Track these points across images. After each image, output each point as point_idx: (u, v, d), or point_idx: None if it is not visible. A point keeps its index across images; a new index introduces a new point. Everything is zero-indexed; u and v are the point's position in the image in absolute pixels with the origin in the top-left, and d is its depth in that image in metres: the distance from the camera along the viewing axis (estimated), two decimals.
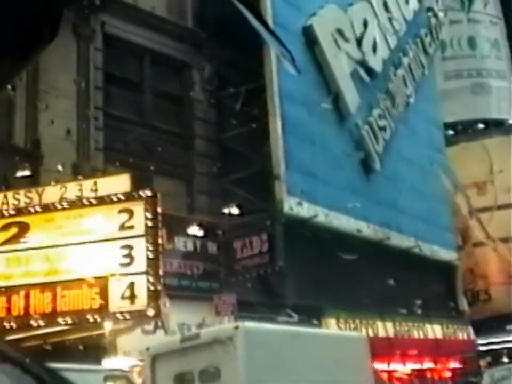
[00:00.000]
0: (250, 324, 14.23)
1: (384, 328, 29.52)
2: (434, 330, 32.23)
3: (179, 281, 22.37)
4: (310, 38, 27.34)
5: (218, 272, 23.40)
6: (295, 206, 23.79)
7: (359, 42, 30.43)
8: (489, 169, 51.81)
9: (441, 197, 35.41)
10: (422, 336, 31.44)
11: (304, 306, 25.34)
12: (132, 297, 16.09)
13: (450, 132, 54.16)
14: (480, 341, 46.96)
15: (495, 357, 46.44)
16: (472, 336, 34.94)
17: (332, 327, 26.17)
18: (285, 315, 23.03)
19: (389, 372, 30.88)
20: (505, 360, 44.82)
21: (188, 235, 22.35)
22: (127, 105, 25.90)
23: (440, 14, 42.00)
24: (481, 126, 53.61)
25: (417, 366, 31.79)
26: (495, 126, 54.56)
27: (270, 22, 25.11)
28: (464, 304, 35.81)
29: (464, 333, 34.27)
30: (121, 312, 16.03)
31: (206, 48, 27.31)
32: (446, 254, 34.16)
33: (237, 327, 13.27)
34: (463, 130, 54.77)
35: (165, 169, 25.17)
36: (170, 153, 25.42)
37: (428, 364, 32.07)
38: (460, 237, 51.62)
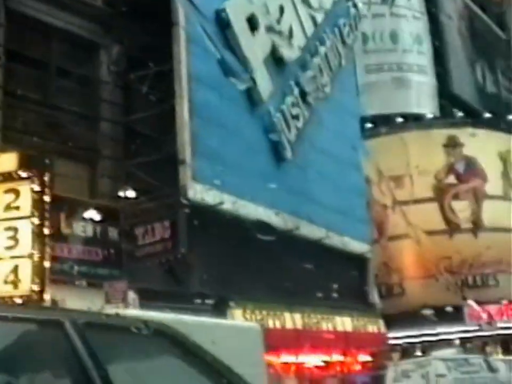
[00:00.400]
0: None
1: (292, 320, 29.11)
2: (344, 323, 31.97)
3: (77, 267, 21.43)
4: (223, 22, 26.65)
5: (119, 259, 22.53)
6: (200, 193, 23.09)
7: (274, 28, 29.85)
8: (407, 163, 52.04)
9: (356, 189, 35.14)
10: (331, 328, 31.10)
11: (209, 296, 24.74)
12: (16, 282, 15.18)
13: (369, 125, 54.32)
14: (394, 335, 47.22)
15: (408, 350, 46.83)
16: (383, 329, 34.84)
17: (238, 317, 25.63)
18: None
19: (297, 364, 30.53)
20: (419, 353, 45.20)
21: (87, 219, 21.43)
22: (31, 84, 24.80)
23: (361, 6, 41.71)
24: (400, 119, 53.73)
25: (326, 359, 31.51)
26: (414, 120, 54.81)
27: (183, 4, 24.41)
28: (375, 297, 35.67)
29: (374, 326, 34.12)
30: (3, 298, 15.10)
31: (115, 29, 26.36)
32: (358, 246, 33.89)
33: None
34: (382, 124, 54.94)
35: (68, 151, 24.18)
36: (74, 134, 24.43)
37: (337, 357, 31.81)
38: (376, 230, 51.79)
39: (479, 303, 48.61)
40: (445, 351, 27.97)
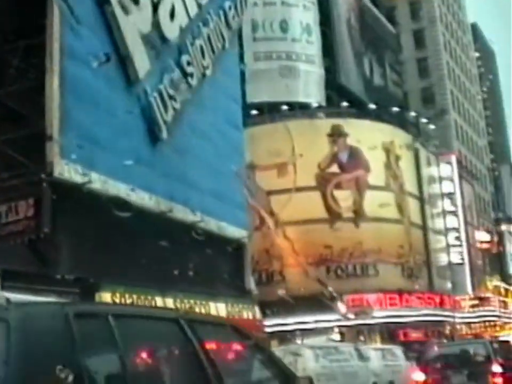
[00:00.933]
0: None
1: (164, 305, 28.46)
2: (218, 309, 31.51)
3: None
4: None
5: None
6: (67, 171, 22.16)
7: (155, 7, 29.07)
8: (291, 151, 52.13)
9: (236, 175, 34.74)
10: (204, 314, 30.61)
11: (77, 278, 23.84)
12: None
13: (254, 112, 54.19)
14: (275, 322, 47.17)
15: (286, 338, 46.83)
16: (259, 316, 34.59)
17: (106, 301, 24.82)
18: None
19: None
20: (298, 341, 45.23)
21: None
22: None
23: None
24: (285, 107, 53.74)
25: None
26: (299, 109, 54.93)
27: None
28: (251, 284, 35.37)
29: (250, 313, 33.82)
30: None
31: None
32: (235, 232, 33.43)
33: None
34: (268, 111, 54.89)
35: None
36: None
37: (210, 344, 31.28)
38: (258, 217, 51.73)
39: (358, 292, 49.20)
40: (315, 339, 27.59)
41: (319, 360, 21.98)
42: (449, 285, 58.53)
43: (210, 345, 5.82)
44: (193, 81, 31.07)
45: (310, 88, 58.84)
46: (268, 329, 45.93)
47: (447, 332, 54.41)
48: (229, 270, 33.74)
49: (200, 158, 31.73)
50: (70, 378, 4.02)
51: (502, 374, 16.70)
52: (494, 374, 17.07)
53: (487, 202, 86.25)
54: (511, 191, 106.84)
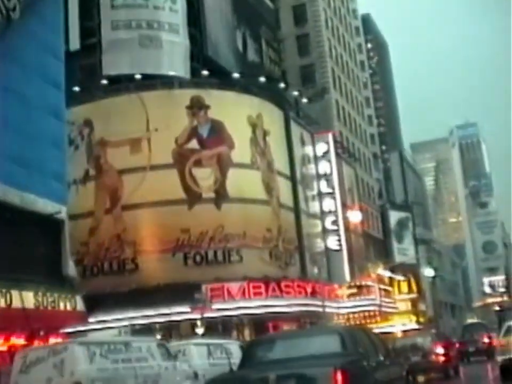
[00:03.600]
0: None
1: None
2: (24, 298, 25.68)
3: None
4: None
5: None
6: None
7: None
8: (146, 125, 46.67)
9: (52, 140, 28.88)
10: (3, 305, 24.75)
11: None
12: None
13: (104, 82, 48.54)
14: (123, 315, 41.49)
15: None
16: (80, 307, 28.91)
17: None
18: None
19: None
20: (158, 336, 39.55)
21: None
22: None
23: None
24: (138, 76, 48.10)
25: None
26: (154, 79, 49.30)
27: None
28: (70, 269, 29.54)
29: (68, 303, 28.11)
30: None
31: None
32: (48, 206, 27.63)
33: None
34: (121, 82, 49.23)
35: None
36: None
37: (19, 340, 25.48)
38: (108, 198, 46.10)
39: (220, 280, 44.08)
40: (100, 333, 21.35)
41: (94, 360, 16.55)
42: (324, 273, 53.92)
43: None
44: None
45: (174, 60, 53.29)
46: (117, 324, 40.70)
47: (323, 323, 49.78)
48: (41, 252, 27.99)
49: (3, 116, 25.98)
50: None
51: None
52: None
53: (371, 188, 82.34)
54: (399, 178, 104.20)
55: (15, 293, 25.48)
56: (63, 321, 28.34)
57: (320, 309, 46.74)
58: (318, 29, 72.59)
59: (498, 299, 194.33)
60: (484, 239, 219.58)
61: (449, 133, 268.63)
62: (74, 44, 52.57)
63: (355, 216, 58.11)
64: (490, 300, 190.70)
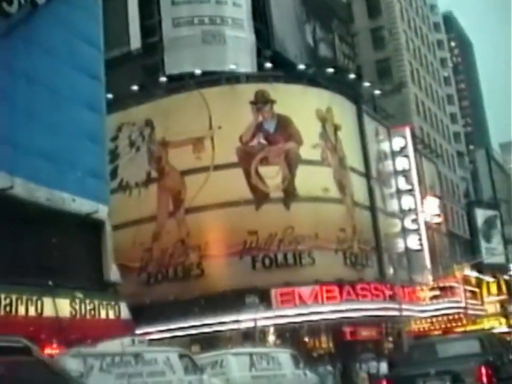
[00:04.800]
0: None
1: None
2: (59, 306, 23.44)
3: None
4: None
5: None
6: None
7: None
8: (209, 123, 44.33)
9: (88, 134, 26.59)
10: (33, 313, 22.56)
11: None
12: None
13: (164, 79, 46.54)
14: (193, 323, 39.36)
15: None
16: (125, 314, 26.52)
17: None
18: None
19: None
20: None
21: None
22: None
23: None
24: (198, 72, 45.78)
25: None
26: (215, 74, 46.89)
27: None
28: (113, 274, 27.10)
29: (111, 311, 25.78)
30: None
31: None
32: (83, 205, 25.32)
33: None
34: (182, 79, 47.03)
35: None
36: None
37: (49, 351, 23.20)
38: (171, 201, 43.95)
39: (290, 284, 41.36)
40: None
41: (91, 374, 13.96)
42: (404, 274, 50.47)
43: None
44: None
45: (239, 55, 50.87)
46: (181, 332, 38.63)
47: (406, 327, 46.54)
48: (79, 256, 25.74)
49: (32, 107, 23.94)
50: None
51: None
52: None
53: (456, 186, 78.20)
54: (487, 176, 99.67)
55: (47, 300, 23.25)
56: (104, 330, 25.89)
57: (404, 313, 43.57)
58: (392, 20, 69.17)
59: None
60: None
61: None
62: (135, 43, 50.99)
63: (431, 205, 54.05)
64: None
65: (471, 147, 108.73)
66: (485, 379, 14.11)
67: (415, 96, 69.03)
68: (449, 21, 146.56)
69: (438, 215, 58.99)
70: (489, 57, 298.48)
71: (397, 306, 41.91)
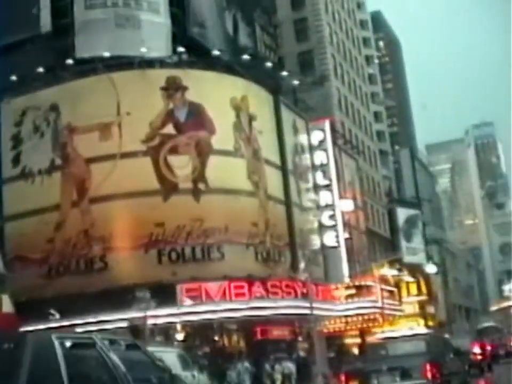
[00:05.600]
0: None
1: None
2: None
3: None
4: None
5: None
6: None
7: None
8: (117, 109, 42.07)
9: None
10: None
11: None
12: None
13: (70, 62, 44.11)
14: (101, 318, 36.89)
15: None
16: (9, 308, 24.24)
17: None
18: None
19: None
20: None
21: None
22: None
23: None
24: (109, 55, 43.49)
25: None
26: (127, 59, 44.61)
27: None
28: None
29: None
30: None
31: None
32: None
33: None
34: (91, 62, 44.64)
35: None
36: None
37: None
38: (75, 190, 41.60)
39: (198, 279, 39.39)
40: None
41: None
42: (320, 272, 48.98)
43: None
44: None
45: (153, 40, 48.50)
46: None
47: (317, 327, 45.01)
48: None
49: None
50: None
51: None
52: None
53: (377, 183, 77.26)
54: (410, 176, 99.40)
55: None
56: None
57: (317, 312, 42.02)
58: (316, 12, 67.74)
59: None
60: (501, 240, 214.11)
61: (465, 133, 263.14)
62: (46, 25, 48.41)
63: (346, 205, 52.46)
64: (508, 303, 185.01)
65: (397, 147, 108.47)
66: (429, 374, 16.47)
67: (338, 90, 67.75)
68: (377, 21, 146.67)
69: (354, 212, 57.69)
70: (418, 59, 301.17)
71: (308, 304, 40.29)
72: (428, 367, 16.65)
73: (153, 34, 48.66)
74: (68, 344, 6.73)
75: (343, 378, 18.96)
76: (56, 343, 6.64)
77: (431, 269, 77.92)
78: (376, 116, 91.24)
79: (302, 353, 44.20)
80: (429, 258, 76.99)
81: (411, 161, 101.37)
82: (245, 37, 60.12)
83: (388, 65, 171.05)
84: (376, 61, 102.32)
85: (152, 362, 8.01)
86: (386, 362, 17.43)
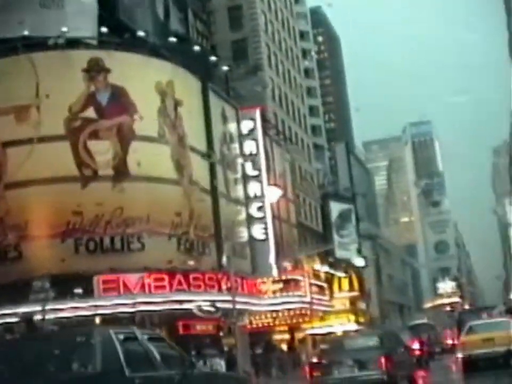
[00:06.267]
0: None
1: None
2: None
3: None
4: None
5: None
6: None
7: None
8: (36, 91, 39.96)
9: None
10: None
11: None
12: None
13: None
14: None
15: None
16: None
17: None
18: None
19: None
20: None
21: None
22: None
23: None
24: (26, 33, 41.33)
25: None
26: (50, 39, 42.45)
27: None
28: None
29: None
30: None
31: None
32: None
33: None
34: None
35: None
36: None
37: None
38: None
39: (116, 271, 37.65)
40: None
41: None
42: (247, 265, 47.55)
43: None
44: None
45: (78, 22, 46.40)
46: None
47: (242, 322, 43.63)
48: None
49: None
50: None
51: None
52: None
53: (311, 177, 76.15)
54: (345, 171, 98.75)
55: None
56: None
57: (242, 306, 40.74)
58: (251, 0, 66.23)
59: (451, 299, 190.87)
60: (436, 238, 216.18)
61: (402, 130, 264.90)
62: None
63: (275, 197, 50.78)
64: (441, 301, 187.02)
65: (332, 143, 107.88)
66: (384, 366, 18.35)
67: (271, 80, 66.35)
68: (317, 16, 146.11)
69: (284, 204, 56.37)
70: (357, 56, 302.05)
71: (236, 299, 38.87)
72: (383, 359, 18.53)
73: (78, 15, 46.56)
74: (121, 337, 8.48)
75: (307, 369, 21.06)
76: (114, 336, 8.38)
77: (359, 261, 77.11)
78: (313, 110, 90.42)
79: (226, 349, 42.74)
80: (359, 251, 76.14)
81: (346, 156, 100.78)
82: (177, 23, 58.38)
83: (327, 61, 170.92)
84: (315, 55, 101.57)
85: (175, 351, 9.79)
86: (345, 355, 19.39)
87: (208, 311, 36.21)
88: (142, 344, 8.84)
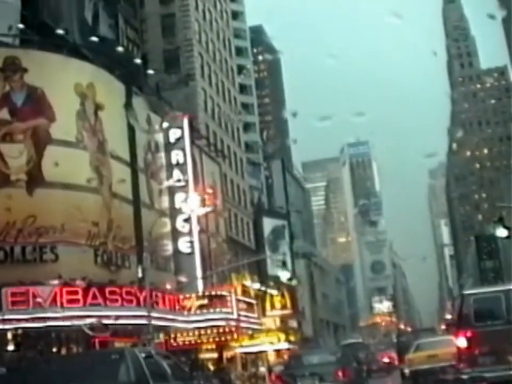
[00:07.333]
0: None
1: None
2: None
3: None
4: None
5: None
6: None
7: None
8: None
9: None
10: None
11: None
12: None
13: None
14: None
15: None
16: None
17: None
18: None
19: None
20: None
21: None
22: None
23: None
24: None
25: None
26: None
27: None
28: None
29: None
30: None
31: None
32: None
33: None
34: None
35: None
36: None
37: None
38: None
39: (26, 283, 35.05)
40: None
41: None
42: (173, 279, 45.33)
43: None
44: None
45: None
46: None
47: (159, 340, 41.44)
48: None
49: None
50: None
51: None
52: None
53: (242, 191, 74.27)
54: (280, 187, 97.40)
55: None
56: None
57: (163, 323, 38.48)
58: (185, 8, 64.41)
59: (386, 318, 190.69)
60: (372, 258, 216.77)
61: (340, 151, 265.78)
62: None
63: (203, 210, 48.61)
64: (377, 319, 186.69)
65: (270, 160, 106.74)
66: (341, 378, 21.61)
67: (204, 91, 64.50)
68: (258, 35, 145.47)
69: (213, 218, 54.35)
70: (298, 76, 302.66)
71: (155, 314, 36.67)
72: (340, 372, 22.01)
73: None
74: (143, 355, 11.18)
75: (274, 379, 24.73)
76: (139, 355, 11.06)
77: (284, 275, 75.29)
78: (250, 126, 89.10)
79: None
80: (283, 264, 74.45)
81: (282, 173, 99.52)
82: (106, 28, 56.18)
83: (266, 80, 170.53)
84: (253, 72, 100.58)
85: (177, 366, 12.64)
86: (307, 369, 22.87)
87: (99, 329, 33.95)
88: (157, 360, 11.47)
